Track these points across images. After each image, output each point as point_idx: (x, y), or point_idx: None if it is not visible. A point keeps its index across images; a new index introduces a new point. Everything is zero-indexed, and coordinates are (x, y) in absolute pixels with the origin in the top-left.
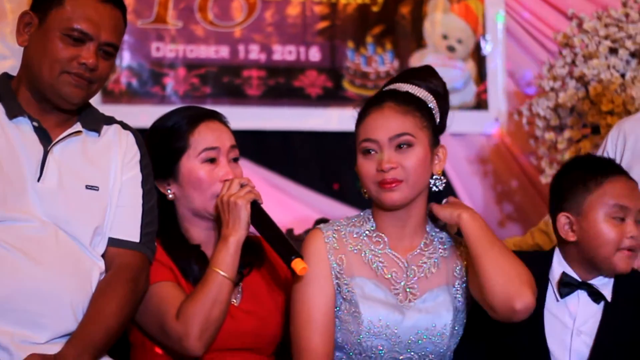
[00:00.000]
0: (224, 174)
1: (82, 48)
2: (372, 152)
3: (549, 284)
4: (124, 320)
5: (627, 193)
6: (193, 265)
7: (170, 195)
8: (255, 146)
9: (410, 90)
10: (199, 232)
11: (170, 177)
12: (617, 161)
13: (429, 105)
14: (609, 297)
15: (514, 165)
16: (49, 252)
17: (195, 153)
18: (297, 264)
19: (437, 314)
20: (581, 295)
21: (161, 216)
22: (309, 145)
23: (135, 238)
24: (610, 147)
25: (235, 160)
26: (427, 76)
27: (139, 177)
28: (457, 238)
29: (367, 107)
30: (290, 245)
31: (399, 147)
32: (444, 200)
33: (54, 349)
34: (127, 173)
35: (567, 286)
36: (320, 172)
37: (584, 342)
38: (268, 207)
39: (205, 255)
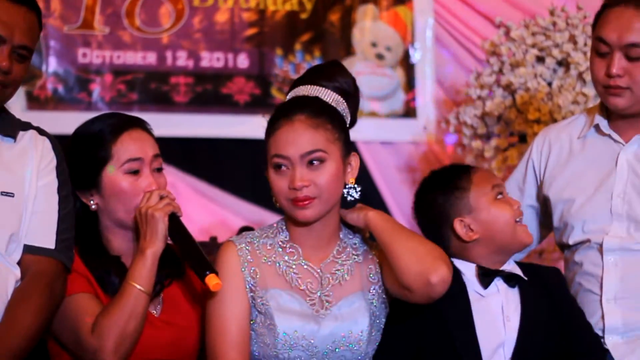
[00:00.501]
0: (147, 185)
1: None
2: (284, 168)
3: (466, 289)
4: (41, 327)
5: (490, 175)
6: (112, 276)
7: (93, 206)
8: (183, 153)
9: (319, 95)
10: (121, 243)
11: (93, 188)
12: (542, 170)
13: (340, 110)
14: (524, 277)
15: None
16: None
17: (118, 164)
18: (211, 280)
19: (353, 321)
20: (499, 284)
21: (82, 226)
22: (236, 152)
23: (51, 245)
24: (536, 155)
25: (159, 170)
26: (335, 74)
27: (55, 183)
28: (370, 242)
29: (277, 119)
30: (205, 260)
31: (310, 163)
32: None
33: None
34: (43, 179)
35: (487, 275)
36: (248, 179)
37: (512, 327)
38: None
39: (126, 267)
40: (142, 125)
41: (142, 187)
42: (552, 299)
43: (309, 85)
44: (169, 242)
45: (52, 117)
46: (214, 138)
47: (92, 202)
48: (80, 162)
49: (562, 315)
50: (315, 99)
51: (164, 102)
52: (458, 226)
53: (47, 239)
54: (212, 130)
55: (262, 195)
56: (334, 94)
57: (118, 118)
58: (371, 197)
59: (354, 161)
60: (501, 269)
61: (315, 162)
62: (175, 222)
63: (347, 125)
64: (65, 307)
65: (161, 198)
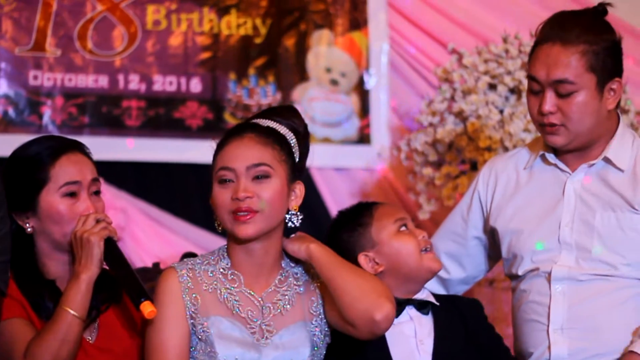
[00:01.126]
0: (85, 208)
1: None
2: (228, 182)
3: None
4: None
5: (393, 210)
6: (47, 301)
7: (29, 229)
8: (134, 178)
9: (271, 125)
10: (57, 267)
11: (29, 210)
12: (488, 201)
13: (290, 142)
14: (434, 302)
15: (396, 201)
16: None
17: (56, 187)
18: (146, 307)
19: (295, 350)
20: (410, 312)
21: (17, 250)
22: (189, 177)
23: None
24: (482, 186)
25: (97, 193)
26: (290, 115)
27: None
28: (312, 272)
29: (227, 137)
30: (140, 286)
31: (256, 177)
32: (292, 235)
33: None
34: None
35: (398, 304)
36: (200, 204)
37: (426, 350)
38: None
39: (60, 291)
40: (81, 148)
41: (79, 211)
42: (468, 326)
43: (263, 119)
44: (105, 266)
45: (2, 139)
46: (166, 162)
47: (27, 224)
48: (17, 184)
49: (479, 340)
50: (267, 126)
51: (115, 126)
52: (363, 260)
53: None
54: (164, 155)
55: (213, 221)
56: (286, 128)
57: (57, 141)
58: (324, 223)
59: (299, 189)
60: (413, 297)
61: (260, 176)
62: (111, 247)
63: (296, 161)
64: None
65: (97, 222)
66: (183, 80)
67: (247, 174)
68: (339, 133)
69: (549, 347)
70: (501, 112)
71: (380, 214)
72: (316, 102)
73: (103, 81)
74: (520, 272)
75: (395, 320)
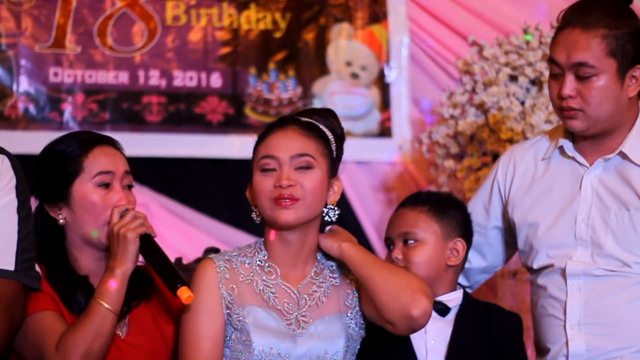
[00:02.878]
0: (118, 199)
1: None
2: (271, 170)
3: None
4: None
5: None
6: (79, 296)
7: (61, 220)
8: (155, 173)
9: (313, 121)
10: (87, 262)
11: (62, 201)
12: (506, 191)
13: (329, 139)
14: (454, 310)
15: None
16: None
17: (89, 177)
18: (183, 292)
19: (330, 341)
20: None
21: (48, 243)
22: (209, 172)
23: (10, 266)
24: (501, 176)
25: (129, 187)
26: (329, 116)
27: (14, 203)
28: (346, 266)
29: (269, 129)
30: (177, 273)
31: (299, 167)
32: (328, 228)
33: None
34: (2, 199)
35: None
36: (220, 200)
37: (437, 351)
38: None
39: (93, 287)
40: (113, 142)
41: (112, 202)
42: (494, 337)
43: (302, 117)
44: (140, 262)
45: (23, 136)
46: (187, 158)
47: (60, 216)
48: (50, 175)
49: (504, 356)
50: (309, 121)
51: (136, 122)
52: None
53: (7, 260)
54: (185, 150)
55: (235, 216)
56: (325, 127)
57: (89, 134)
58: (347, 217)
59: (337, 185)
60: (437, 299)
61: (303, 167)
62: (148, 243)
63: (333, 157)
64: (30, 324)
65: (135, 218)
66: (203, 76)
67: (291, 163)
68: (360, 126)
69: (567, 343)
70: (522, 103)
71: None
72: (337, 96)
73: (123, 77)
74: (535, 266)
75: None
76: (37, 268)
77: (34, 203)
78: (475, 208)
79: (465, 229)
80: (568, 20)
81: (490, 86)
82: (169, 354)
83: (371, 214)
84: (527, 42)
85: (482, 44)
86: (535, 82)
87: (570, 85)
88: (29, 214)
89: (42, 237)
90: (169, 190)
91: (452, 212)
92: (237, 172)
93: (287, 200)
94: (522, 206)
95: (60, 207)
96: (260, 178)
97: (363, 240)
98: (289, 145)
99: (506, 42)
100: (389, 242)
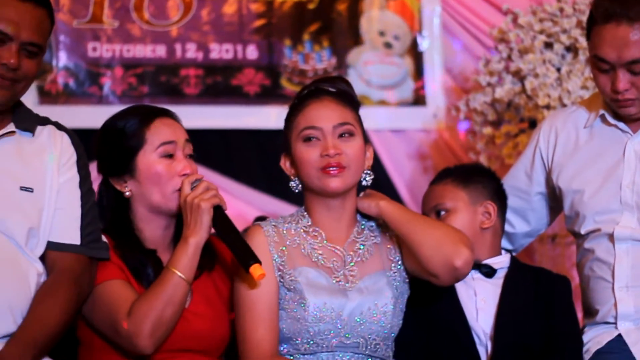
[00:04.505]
0: (182, 168)
1: (2, 48)
2: (314, 140)
3: None
4: (66, 322)
5: None
6: (148, 269)
7: (127, 193)
8: (194, 145)
9: (345, 90)
10: (153, 231)
11: (127, 174)
12: (549, 157)
13: (358, 105)
14: (501, 275)
15: (453, 160)
16: None
17: (152, 148)
18: (256, 270)
19: (379, 294)
20: (474, 274)
21: (115, 215)
22: (247, 143)
23: (76, 241)
24: (543, 143)
25: (191, 156)
26: (341, 82)
27: (76, 178)
28: (385, 223)
29: (303, 100)
30: (250, 250)
31: (341, 136)
32: (362, 193)
33: None
34: (64, 175)
35: None
36: (259, 170)
37: (486, 311)
38: None
39: (161, 260)
40: (171, 114)
41: (177, 171)
42: (542, 300)
43: (329, 85)
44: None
45: (63, 111)
46: (225, 129)
47: (126, 188)
48: (114, 149)
49: (552, 317)
50: (339, 90)
51: (174, 95)
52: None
53: (72, 235)
54: (223, 122)
55: (274, 185)
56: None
57: (148, 107)
58: (383, 185)
59: (370, 151)
60: (484, 262)
61: (345, 134)
62: (220, 214)
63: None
64: (100, 293)
65: (207, 189)
66: (239, 48)
67: (334, 132)
68: (394, 95)
69: (615, 305)
70: (558, 70)
71: None
72: (371, 66)
73: (161, 51)
74: (582, 231)
75: (462, 280)
76: (104, 239)
77: (98, 178)
78: (518, 174)
79: (495, 193)
80: (609, 14)
81: (526, 53)
82: (230, 323)
83: (407, 182)
84: (561, 10)
85: (516, 12)
86: (571, 48)
87: (624, 79)
88: (90, 189)
89: (108, 210)
90: (208, 162)
91: (478, 178)
92: (275, 142)
93: (335, 169)
94: (566, 173)
95: (126, 179)
96: (305, 148)
97: None
98: (330, 115)
99: (540, 9)
100: None
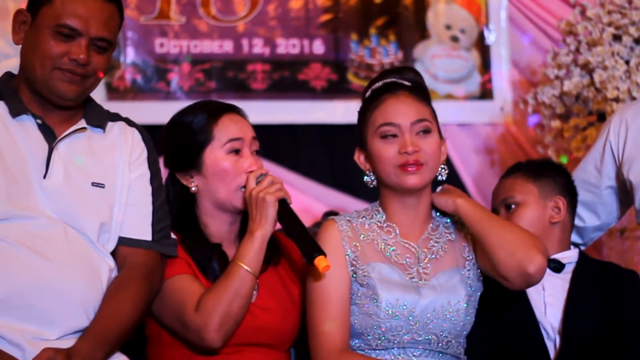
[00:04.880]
0: (249, 165)
1: (72, 44)
2: (392, 137)
3: None
4: (138, 319)
5: None
6: (214, 263)
7: (193, 188)
8: (261, 140)
9: (420, 83)
10: (219, 227)
11: (193, 169)
12: (620, 151)
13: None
14: (569, 269)
15: (520, 154)
16: (58, 249)
17: (220, 144)
18: (320, 262)
19: (452, 292)
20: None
21: (181, 210)
22: (314, 138)
23: (147, 236)
24: (613, 136)
25: (257, 152)
26: (410, 72)
27: (147, 174)
28: (460, 220)
29: (379, 94)
30: (314, 243)
31: (418, 132)
32: (439, 188)
33: (66, 344)
34: (135, 171)
35: None
36: (326, 164)
37: (555, 306)
38: None
39: (226, 255)
40: (238, 110)
41: (243, 167)
42: (610, 294)
43: (400, 79)
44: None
45: (131, 107)
46: (292, 124)
47: (192, 183)
48: (181, 144)
49: (621, 311)
50: (413, 85)
51: (241, 90)
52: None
53: (144, 231)
54: (290, 117)
55: (341, 180)
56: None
57: (215, 103)
58: (450, 179)
59: (444, 145)
60: (552, 257)
61: (423, 131)
62: (284, 207)
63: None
64: (168, 288)
65: (272, 184)
66: (306, 43)
67: (411, 129)
68: (461, 89)
69: None
70: (627, 62)
71: None
72: (438, 60)
73: (228, 46)
74: None
75: None
76: (173, 235)
77: (164, 173)
78: (588, 168)
79: (565, 188)
80: None
81: (595, 46)
82: (297, 315)
83: (474, 176)
84: (630, 2)
85: (584, 4)
86: (639, 41)
87: None
88: (161, 184)
89: (175, 205)
90: (275, 156)
91: (549, 173)
92: (341, 137)
93: (413, 166)
94: (637, 166)
95: (192, 175)
96: (382, 145)
97: None
98: (407, 111)
99: (608, 1)
100: (495, 213)
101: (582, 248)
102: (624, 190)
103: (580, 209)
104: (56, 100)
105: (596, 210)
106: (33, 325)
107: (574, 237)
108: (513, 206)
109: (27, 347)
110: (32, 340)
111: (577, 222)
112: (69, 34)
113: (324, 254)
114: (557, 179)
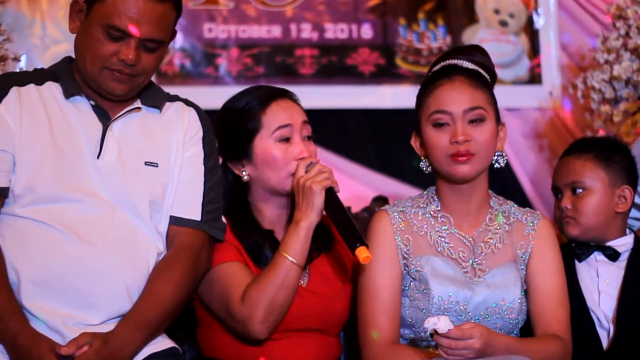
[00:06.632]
0: (299, 152)
1: (122, 44)
2: (444, 125)
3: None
4: (182, 300)
5: None
6: (266, 250)
7: (245, 177)
8: (310, 125)
9: (477, 69)
10: (271, 211)
11: (244, 158)
12: None
13: (489, 83)
14: (624, 257)
15: (569, 139)
16: (104, 232)
17: (269, 132)
18: (361, 252)
19: (506, 289)
20: (598, 256)
21: (233, 198)
22: (363, 123)
23: (197, 216)
24: None
25: (309, 137)
26: (477, 52)
27: (200, 154)
28: (524, 210)
29: (435, 80)
30: (357, 232)
31: (471, 121)
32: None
33: (107, 328)
34: (189, 150)
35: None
36: (374, 149)
37: (609, 293)
38: None
39: (278, 241)
40: (289, 95)
41: (294, 155)
42: None
43: (462, 61)
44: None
45: (180, 92)
46: (340, 109)
47: (244, 172)
48: (232, 133)
49: None
50: (472, 69)
51: (289, 75)
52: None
53: (193, 211)
54: (338, 102)
55: (390, 165)
56: (483, 70)
57: (265, 89)
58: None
59: (503, 131)
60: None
61: (476, 119)
62: (332, 197)
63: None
64: (216, 275)
65: (320, 172)
66: (354, 27)
67: (464, 117)
68: (510, 73)
69: None
70: None
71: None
72: (486, 44)
73: (276, 31)
74: None
75: (584, 262)
76: (223, 219)
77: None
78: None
79: (630, 174)
80: None
81: None
82: (348, 301)
83: (523, 161)
84: None
85: None
86: None
87: None
88: (215, 166)
89: (228, 192)
90: (323, 141)
91: (618, 158)
92: (390, 122)
93: (464, 157)
94: None
95: (244, 164)
96: (434, 133)
97: (515, 187)
98: (460, 98)
99: None
100: (556, 191)
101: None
102: None
103: None
104: (106, 95)
105: None
106: (75, 310)
107: (635, 213)
108: (580, 190)
109: (67, 333)
110: (72, 326)
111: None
112: (118, 35)
113: (365, 244)
114: (625, 164)
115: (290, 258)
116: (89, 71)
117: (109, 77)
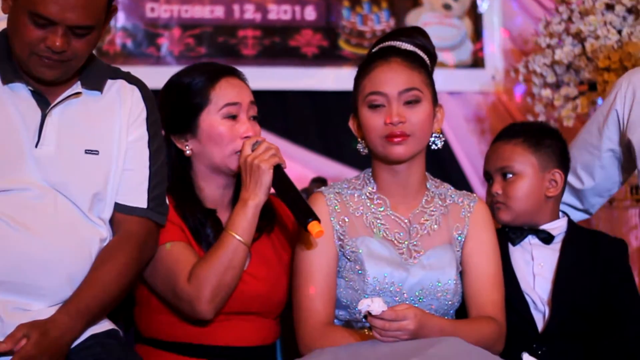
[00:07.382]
0: (245, 130)
1: (48, 31)
2: (379, 106)
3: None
4: (124, 288)
5: None
6: (208, 229)
7: (188, 151)
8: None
9: (414, 50)
10: (213, 190)
11: (189, 133)
12: (626, 115)
13: (428, 65)
14: (558, 240)
15: (510, 122)
16: (46, 221)
17: (216, 108)
18: (314, 227)
19: (442, 271)
20: (532, 240)
21: (176, 173)
22: (305, 104)
23: (143, 204)
24: (619, 99)
25: (255, 118)
26: (418, 35)
27: (145, 137)
28: (460, 193)
29: (371, 61)
30: (308, 208)
31: (407, 102)
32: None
33: (47, 313)
34: (133, 134)
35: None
36: (316, 131)
37: (544, 276)
38: None
39: (220, 221)
40: (238, 74)
41: (239, 133)
42: (599, 263)
43: (399, 42)
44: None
45: None
46: (283, 90)
47: (187, 147)
48: (177, 107)
49: (609, 281)
50: (409, 50)
51: (232, 56)
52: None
53: (139, 198)
54: (280, 83)
55: (331, 147)
56: (421, 51)
57: (214, 66)
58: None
59: (440, 113)
60: (541, 227)
61: (411, 101)
62: (280, 174)
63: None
64: (160, 254)
65: (267, 149)
66: (297, 9)
67: (399, 98)
68: (453, 57)
69: None
70: (619, 32)
71: None
72: (429, 27)
73: (219, 12)
74: None
75: (518, 246)
76: (167, 200)
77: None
78: (591, 128)
79: (561, 158)
80: None
81: (587, 15)
82: (287, 283)
83: (465, 144)
84: None
85: None
86: (632, 10)
87: None
88: (160, 146)
89: (170, 168)
90: (265, 123)
91: (548, 142)
92: (332, 104)
93: (399, 138)
94: None
95: (187, 138)
96: (369, 114)
97: (456, 169)
98: (395, 79)
99: None
100: (488, 177)
101: (586, 216)
102: (626, 155)
103: (580, 171)
104: (37, 80)
105: (592, 172)
106: (18, 298)
107: (574, 201)
108: (510, 175)
109: (6, 319)
110: (11, 311)
111: (576, 184)
112: (44, 23)
113: (317, 219)
114: (555, 148)
115: (238, 237)
116: (19, 55)
117: (38, 63)
